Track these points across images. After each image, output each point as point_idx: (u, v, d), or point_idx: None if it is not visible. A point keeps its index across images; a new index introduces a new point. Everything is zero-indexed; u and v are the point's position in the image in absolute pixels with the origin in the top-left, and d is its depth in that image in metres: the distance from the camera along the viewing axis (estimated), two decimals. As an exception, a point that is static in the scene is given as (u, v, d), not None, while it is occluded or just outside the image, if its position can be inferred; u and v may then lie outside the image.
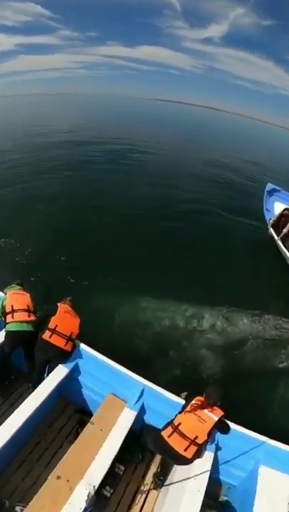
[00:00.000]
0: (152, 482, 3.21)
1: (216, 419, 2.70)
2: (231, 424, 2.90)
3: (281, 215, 7.63)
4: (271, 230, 7.78)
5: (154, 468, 3.35)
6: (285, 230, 7.44)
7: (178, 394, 3.30)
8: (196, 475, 2.73)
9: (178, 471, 3.01)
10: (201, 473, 2.74)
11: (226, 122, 69.43)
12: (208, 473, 2.76)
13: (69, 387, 3.50)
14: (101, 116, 37.95)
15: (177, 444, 2.71)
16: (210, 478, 2.77)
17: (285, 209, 7.72)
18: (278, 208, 8.66)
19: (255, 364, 5.17)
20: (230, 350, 5.28)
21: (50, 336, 3.36)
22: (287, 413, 4.55)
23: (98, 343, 3.78)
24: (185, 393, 3.32)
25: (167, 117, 55.93)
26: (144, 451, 3.31)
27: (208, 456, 2.88)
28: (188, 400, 2.88)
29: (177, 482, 2.86)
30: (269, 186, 9.23)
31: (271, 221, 7.73)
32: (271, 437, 3.05)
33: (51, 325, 3.39)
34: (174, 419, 2.82)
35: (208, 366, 4.97)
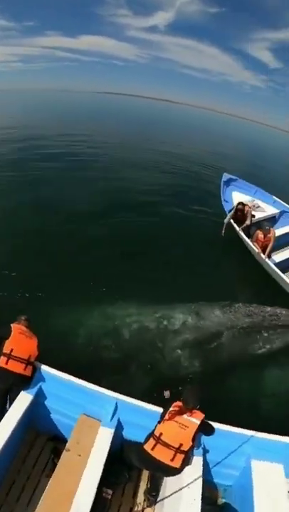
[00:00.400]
0: (145, 500, 3.10)
1: (198, 422, 2.68)
2: (215, 425, 2.89)
3: (236, 209, 7.77)
4: (231, 221, 7.92)
5: (143, 485, 3.22)
6: (247, 222, 7.64)
7: (155, 403, 3.19)
8: (189, 483, 2.68)
9: (169, 484, 2.96)
10: (194, 481, 2.69)
11: (176, 113, 70.25)
12: (200, 480, 2.72)
13: (36, 414, 3.26)
14: (41, 113, 36.24)
15: (162, 455, 2.66)
16: (204, 483, 2.73)
17: (239, 203, 7.89)
18: (236, 197, 8.89)
19: (233, 355, 5.19)
20: (206, 345, 5.24)
21: (7, 362, 3.11)
22: (270, 402, 4.61)
23: (62, 362, 3.59)
24: (168, 392, 3.24)
25: (112, 110, 55.01)
26: (130, 470, 3.15)
27: (197, 461, 2.84)
28: (165, 407, 2.82)
29: (171, 495, 2.78)
30: (225, 176, 9.43)
31: (230, 214, 7.86)
32: (257, 430, 3.08)
33: (6, 349, 3.14)
34: (154, 430, 2.76)
35: (185, 366, 4.89)
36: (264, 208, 8.74)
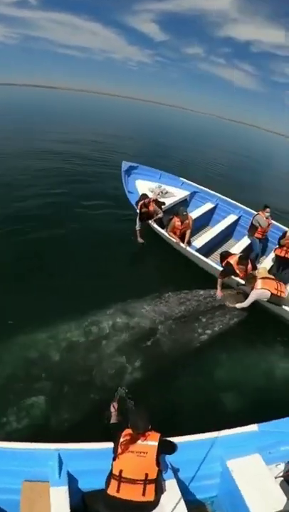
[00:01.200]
0: None
1: (156, 444, 2.56)
2: (174, 439, 2.81)
3: (140, 210, 7.38)
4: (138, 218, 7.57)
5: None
6: (160, 215, 7.48)
7: (102, 437, 2.91)
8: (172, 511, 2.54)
9: None
10: (176, 506, 2.56)
11: (54, 99, 66.37)
12: (182, 502, 2.61)
13: None
14: None
15: (131, 493, 2.51)
16: (187, 504, 2.62)
17: (142, 195, 7.66)
18: (141, 186, 8.60)
19: (175, 349, 5.10)
20: (143, 344, 5.06)
21: None
22: (224, 392, 4.60)
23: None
24: (123, 388, 3.18)
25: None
26: (102, 523, 2.80)
27: (171, 485, 2.72)
28: (114, 440, 2.63)
29: None
30: (125, 165, 9.08)
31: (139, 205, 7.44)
32: (220, 428, 3.08)
33: None
34: (112, 469, 2.57)
35: (126, 372, 4.61)
36: (173, 193, 8.75)
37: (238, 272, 5.91)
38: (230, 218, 8.22)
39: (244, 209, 8.43)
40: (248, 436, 3.08)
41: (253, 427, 3.16)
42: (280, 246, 6.71)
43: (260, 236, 7.34)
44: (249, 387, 4.78)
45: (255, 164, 25.55)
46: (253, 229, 7.35)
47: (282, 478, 2.92)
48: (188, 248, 6.82)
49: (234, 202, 8.67)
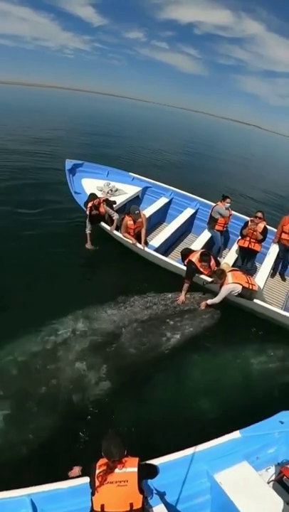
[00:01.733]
0: None
1: (135, 470, 2.44)
2: (154, 461, 2.76)
3: (90, 212, 6.89)
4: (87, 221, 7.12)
5: None
6: (114, 217, 7.02)
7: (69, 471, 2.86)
8: None
9: None
10: None
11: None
12: None
13: None
14: None
15: None
16: None
17: (90, 196, 7.18)
18: (88, 185, 8.17)
19: (143, 355, 4.95)
20: (107, 351, 4.88)
21: None
22: (199, 399, 4.49)
23: None
24: (76, 469, 2.84)
25: None
26: None
27: (160, 511, 2.63)
28: (89, 474, 2.49)
29: None
30: (68, 163, 8.53)
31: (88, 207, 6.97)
32: (201, 441, 3.03)
33: None
34: (92, 506, 2.44)
35: (90, 384, 4.39)
36: (124, 190, 8.41)
37: (201, 269, 5.78)
38: (188, 212, 8.07)
39: (201, 201, 8.32)
40: (231, 445, 3.04)
41: (236, 434, 3.12)
42: (243, 236, 6.67)
43: (221, 228, 7.25)
44: (225, 390, 4.70)
45: (204, 151, 25.99)
46: (212, 221, 7.23)
47: (276, 482, 2.90)
48: (146, 249, 6.54)
49: (190, 194, 8.53)
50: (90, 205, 6.83)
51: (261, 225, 6.55)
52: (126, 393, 4.41)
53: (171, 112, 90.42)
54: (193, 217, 8.24)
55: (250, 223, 6.57)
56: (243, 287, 5.44)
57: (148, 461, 2.68)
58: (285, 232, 6.90)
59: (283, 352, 5.43)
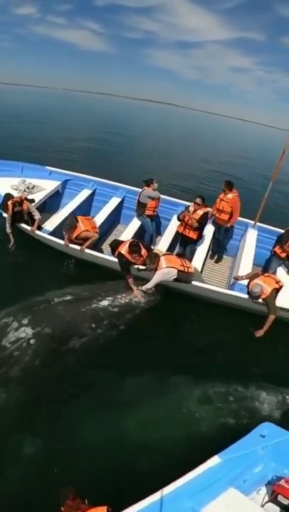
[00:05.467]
0: None
1: None
2: (131, 509, 2.56)
3: (12, 210, 6.51)
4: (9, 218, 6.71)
5: None
6: (36, 217, 6.75)
7: None
8: None
9: None
10: None
11: None
12: None
13: None
14: None
15: None
16: None
17: (6, 196, 6.79)
18: (1, 184, 7.63)
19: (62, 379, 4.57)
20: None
21: None
22: (158, 427, 4.10)
23: None
24: None
25: None
26: None
27: None
28: None
29: None
30: None
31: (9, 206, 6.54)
32: (176, 474, 2.83)
33: None
34: None
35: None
36: (42, 186, 8.03)
37: (133, 261, 5.68)
38: (114, 202, 7.96)
39: (127, 188, 8.26)
40: (212, 472, 2.83)
41: (215, 460, 2.93)
42: (180, 221, 6.67)
43: (151, 213, 7.21)
44: (187, 415, 4.27)
45: (121, 137, 25.91)
46: (141, 207, 7.15)
47: (270, 503, 2.80)
48: (71, 245, 6.34)
49: (114, 183, 8.43)
50: (10, 203, 6.43)
51: (200, 212, 6.39)
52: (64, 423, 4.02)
53: (78, 97, 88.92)
54: (120, 206, 8.18)
55: (190, 207, 6.50)
56: (179, 271, 5.43)
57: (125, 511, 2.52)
58: (220, 211, 6.94)
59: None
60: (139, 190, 7.37)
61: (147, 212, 7.20)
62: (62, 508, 2.43)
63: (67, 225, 6.35)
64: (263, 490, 2.92)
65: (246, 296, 5.42)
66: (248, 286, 5.38)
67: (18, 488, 3.33)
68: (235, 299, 5.72)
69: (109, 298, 5.70)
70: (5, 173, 8.03)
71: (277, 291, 5.39)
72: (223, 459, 2.94)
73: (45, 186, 8.01)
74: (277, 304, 5.27)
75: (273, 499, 2.79)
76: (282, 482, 2.79)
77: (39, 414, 4.09)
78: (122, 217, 8.38)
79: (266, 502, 2.81)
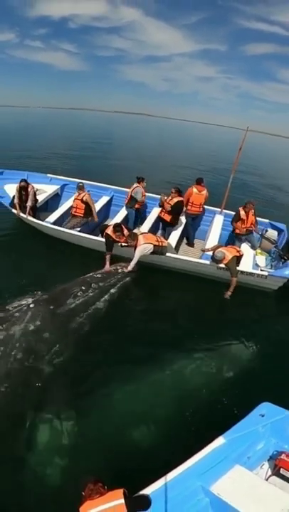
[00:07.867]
0: None
1: (122, 501, 2.43)
2: (145, 491, 2.70)
3: (19, 192, 8.38)
4: (14, 211, 8.61)
5: None
6: (28, 204, 8.35)
7: None
8: None
9: None
10: None
11: None
12: None
13: None
14: None
15: None
16: None
17: (22, 180, 8.52)
18: (10, 189, 9.19)
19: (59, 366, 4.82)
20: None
21: None
22: (162, 408, 4.42)
23: None
24: None
25: None
26: None
27: None
28: None
29: None
30: None
31: (14, 203, 8.43)
32: (185, 456, 3.01)
33: None
34: None
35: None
36: (44, 189, 9.70)
37: (117, 239, 6.90)
38: (103, 199, 9.58)
39: (114, 189, 9.97)
40: (219, 452, 3.01)
41: (220, 440, 3.12)
42: (160, 206, 8.13)
43: (139, 206, 8.76)
44: (190, 399, 4.55)
45: (99, 149, 27.78)
46: (132, 201, 8.53)
47: (273, 476, 3.02)
48: (62, 229, 7.95)
49: (104, 185, 10.13)
50: (22, 183, 8.38)
51: (175, 200, 7.73)
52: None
53: (55, 115, 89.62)
54: (109, 203, 9.84)
55: (172, 193, 7.89)
56: (154, 245, 6.56)
57: (139, 493, 2.64)
58: (190, 203, 8.23)
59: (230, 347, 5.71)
60: (126, 190, 8.99)
61: (137, 206, 8.76)
62: (83, 492, 2.51)
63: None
64: (266, 465, 3.13)
65: (213, 262, 6.60)
66: (212, 255, 6.56)
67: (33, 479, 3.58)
68: (203, 266, 6.98)
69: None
70: (14, 180, 9.67)
71: (238, 258, 6.64)
72: (228, 438, 3.12)
73: (46, 189, 9.72)
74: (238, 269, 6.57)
75: (276, 472, 3.02)
76: (283, 456, 3.04)
77: (38, 402, 4.30)
78: (111, 212, 9.95)
79: (270, 476, 3.03)
